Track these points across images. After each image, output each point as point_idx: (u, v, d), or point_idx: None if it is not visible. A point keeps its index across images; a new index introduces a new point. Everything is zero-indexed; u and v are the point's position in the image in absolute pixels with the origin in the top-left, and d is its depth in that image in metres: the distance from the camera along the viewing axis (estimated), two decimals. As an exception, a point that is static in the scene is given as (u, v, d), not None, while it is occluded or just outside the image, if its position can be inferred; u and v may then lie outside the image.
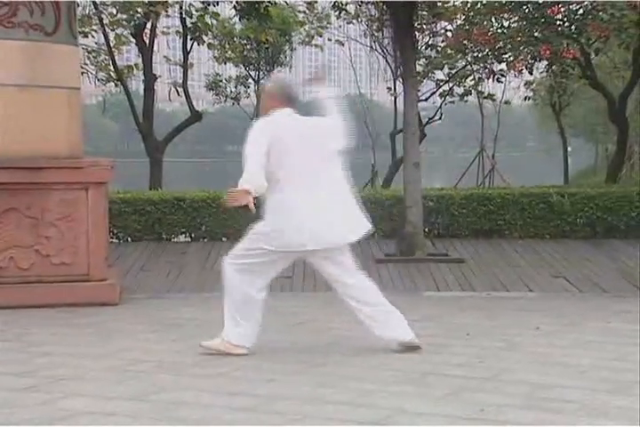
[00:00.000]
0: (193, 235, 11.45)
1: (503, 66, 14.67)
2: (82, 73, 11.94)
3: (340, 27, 16.55)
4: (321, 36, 17.39)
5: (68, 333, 6.12)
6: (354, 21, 15.78)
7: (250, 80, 17.46)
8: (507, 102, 19.33)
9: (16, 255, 7.06)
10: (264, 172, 5.07)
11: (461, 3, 13.92)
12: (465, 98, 17.10)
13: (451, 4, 14.08)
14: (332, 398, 4.43)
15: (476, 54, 14.62)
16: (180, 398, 4.42)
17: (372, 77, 19.58)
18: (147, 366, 5.10)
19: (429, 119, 17.35)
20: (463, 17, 13.90)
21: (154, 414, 4.13)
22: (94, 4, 14.91)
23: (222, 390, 4.57)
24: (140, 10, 14.97)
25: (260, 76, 17.36)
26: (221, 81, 17.82)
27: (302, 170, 5.21)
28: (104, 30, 15.56)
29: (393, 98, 18.07)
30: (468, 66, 15.54)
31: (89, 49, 15.85)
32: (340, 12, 14.52)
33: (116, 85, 17.49)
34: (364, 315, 5.42)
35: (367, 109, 21.88)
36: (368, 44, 16.65)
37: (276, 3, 15.36)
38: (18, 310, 6.75)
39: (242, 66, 17.28)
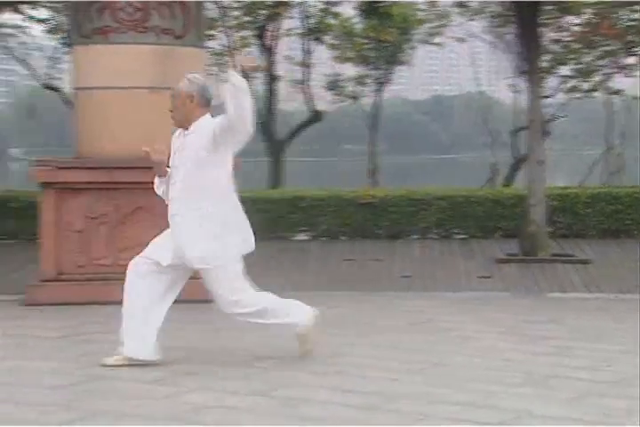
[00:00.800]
0: (312, 233, 11.56)
1: (633, 60, 14.17)
2: (207, 75, 12.22)
3: (462, 24, 16.32)
4: (441, 35, 17.21)
5: (199, 328, 6.28)
6: (475, 18, 15.56)
7: (369, 80, 17.45)
8: (636, 98, 18.64)
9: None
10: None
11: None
12: (591, 94, 16.62)
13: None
14: (454, 398, 4.39)
15: (604, 49, 14.18)
16: (299, 394, 4.47)
17: (492, 74, 19.24)
18: (268, 363, 5.19)
19: (553, 116, 16.93)
20: (591, 10, 13.51)
21: (274, 410, 4.20)
22: (220, 7, 15.24)
23: (341, 388, 4.59)
24: (263, 12, 15.23)
25: (380, 75, 17.32)
26: (341, 80, 17.90)
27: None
28: (228, 33, 15.88)
29: (514, 95, 17.73)
30: (596, 61, 15.09)
31: (214, 51, 16.20)
32: (462, 8, 14.35)
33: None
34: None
35: (487, 107, 21.57)
36: (489, 41, 16.38)
37: (397, 1, 15.33)
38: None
39: (361, 65, 17.30)
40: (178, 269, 5.15)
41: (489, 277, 9.04)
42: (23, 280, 7.76)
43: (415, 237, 11.45)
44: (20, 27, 14.79)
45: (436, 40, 17.31)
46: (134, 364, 5.04)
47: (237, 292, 5.10)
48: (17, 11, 13.55)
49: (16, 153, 48.34)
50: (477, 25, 16.07)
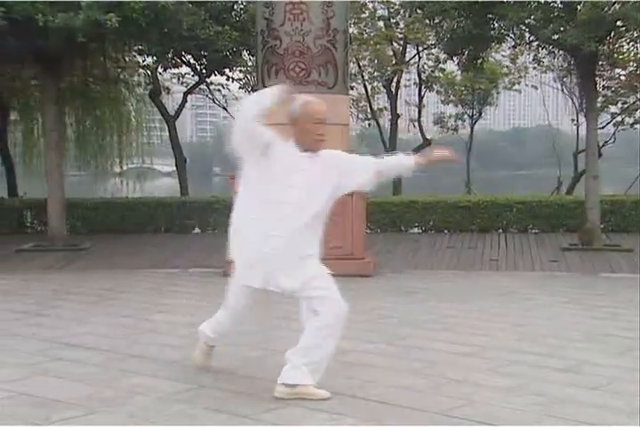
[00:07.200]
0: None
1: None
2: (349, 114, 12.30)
3: (535, 75, 15.82)
4: (519, 84, 16.80)
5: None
6: (547, 71, 14.96)
7: (465, 116, 17.20)
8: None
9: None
10: None
11: (633, 54, 12.78)
12: (635, 126, 15.72)
13: (625, 55, 12.97)
14: (534, 349, 4.20)
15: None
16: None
17: (558, 112, 18.40)
18: (390, 321, 5.13)
19: (604, 142, 16.03)
20: (634, 64, 12.77)
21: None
22: (359, 65, 15.32)
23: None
24: (389, 68, 15.19)
25: (473, 113, 17.00)
26: (445, 117, 17.76)
27: None
28: (364, 84, 15.94)
29: (575, 127, 16.96)
30: (637, 101, 14.22)
31: (353, 98, 16.29)
32: (538, 64, 13.86)
33: (370, 123, 17.85)
34: None
35: (553, 136, 20.67)
36: (557, 87, 15.74)
37: (488, 59, 14.95)
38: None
39: (460, 106, 17.08)
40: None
41: (556, 262, 8.64)
42: (224, 258, 7.94)
43: (499, 231, 11.06)
44: (222, 84, 15.61)
45: (516, 87, 16.87)
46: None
47: None
48: (221, 73, 14.19)
49: (217, 171, 50.13)
50: (548, 76, 15.48)
